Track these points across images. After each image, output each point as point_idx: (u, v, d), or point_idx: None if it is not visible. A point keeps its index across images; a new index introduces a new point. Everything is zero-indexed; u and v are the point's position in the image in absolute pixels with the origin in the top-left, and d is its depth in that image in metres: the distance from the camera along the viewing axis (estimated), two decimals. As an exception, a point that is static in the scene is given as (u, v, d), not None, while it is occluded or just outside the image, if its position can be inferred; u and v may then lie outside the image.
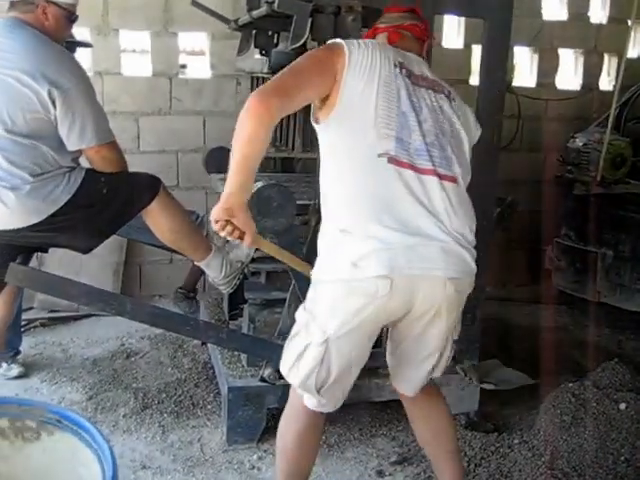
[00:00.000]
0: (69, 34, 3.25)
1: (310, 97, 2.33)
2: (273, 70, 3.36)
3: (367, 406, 3.65)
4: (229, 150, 4.21)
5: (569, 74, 6.16)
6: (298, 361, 2.40)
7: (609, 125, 4.87)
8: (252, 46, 4.13)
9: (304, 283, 3.14)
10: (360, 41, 2.39)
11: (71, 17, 3.13)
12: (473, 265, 2.35)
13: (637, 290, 4.69)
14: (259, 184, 3.01)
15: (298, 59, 2.34)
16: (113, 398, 3.74)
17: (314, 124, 2.40)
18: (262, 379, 3.31)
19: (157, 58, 4.91)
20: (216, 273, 3.46)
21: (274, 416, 3.47)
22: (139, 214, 3.22)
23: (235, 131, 2.21)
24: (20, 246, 3.11)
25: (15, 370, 3.94)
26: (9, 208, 2.91)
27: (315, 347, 2.33)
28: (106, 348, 4.41)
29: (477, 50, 5.84)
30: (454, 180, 2.37)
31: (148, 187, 3.21)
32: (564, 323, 5.06)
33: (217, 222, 2.22)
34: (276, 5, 3.00)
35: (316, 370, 2.35)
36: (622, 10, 6.07)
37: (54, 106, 2.88)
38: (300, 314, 2.44)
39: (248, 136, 2.20)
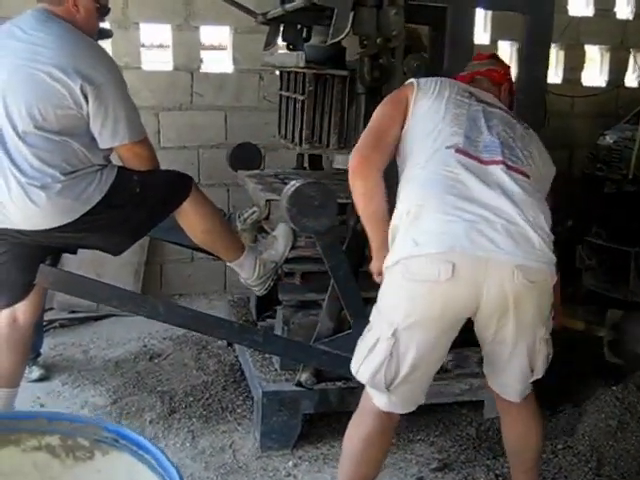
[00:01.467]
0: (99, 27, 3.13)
1: (398, 132, 2.47)
2: (309, 64, 3.24)
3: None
4: (255, 146, 4.27)
5: (595, 70, 6.06)
6: (368, 356, 2.33)
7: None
8: (279, 40, 4.04)
9: (344, 284, 3.06)
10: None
11: (102, 10, 3.02)
12: (550, 255, 2.23)
13: (670, 290, 4.58)
14: (298, 182, 2.91)
15: (377, 109, 2.55)
16: (138, 402, 3.61)
17: None
18: (299, 383, 3.22)
19: (178, 52, 4.79)
20: (249, 274, 3.35)
21: (309, 422, 3.38)
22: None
23: (352, 193, 2.43)
24: (49, 247, 2.99)
25: (36, 373, 3.82)
26: (40, 208, 2.79)
27: (384, 341, 2.26)
28: (128, 349, 4.29)
29: (504, 46, 5.77)
30: (524, 174, 2.31)
31: (181, 186, 3.10)
32: (590, 321, 4.92)
33: (380, 274, 2.40)
34: (317, -2, 2.89)
35: (385, 364, 2.27)
36: None
37: (86, 102, 2.77)
38: (373, 311, 2.39)
39: (364, 195, 2.41)
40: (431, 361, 2.35)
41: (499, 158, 2.30)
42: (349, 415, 2.58)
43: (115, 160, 2.99)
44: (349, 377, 3.21)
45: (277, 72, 3.90)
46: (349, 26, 2.91)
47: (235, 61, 4.93)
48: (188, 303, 5.02)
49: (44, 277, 2.86)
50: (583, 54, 5.83)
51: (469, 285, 2.18)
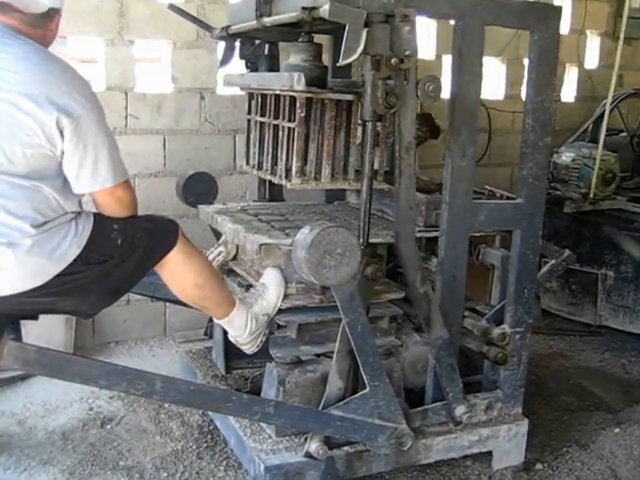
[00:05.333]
0: None
1: None
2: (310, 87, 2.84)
3: (406, 469, 3.19)
4: (209, 175, 3.81)
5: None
6: None
7: (600, 140, 4.65)
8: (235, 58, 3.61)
9: (362, 340, 2.69)
10: None
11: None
12: None
13: (642, 311, 4.44)
14: (316, 228, 2.49)
15: None
16: (104, 484, 3.10)
17: None
18: (308, 455, 2.80)
19: (111, 69, 4.23)
20: (240, 331, 2.92)
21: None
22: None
23: None
24: (7, 315, 2.46)
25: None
26: (5, 270, 2.28)
27: None
28: (72, 415, 3.68)
29: (448, 60, 5.51)
30: None
31: (166, 233, 2.63)
32: (560, 348, 4.76)
33: None
34: (327, 12, 2.47)
35: None
36: (580, 21, 6.07)
37: (62, 138, 2.27)
38: None
39: None
40: None
41: None
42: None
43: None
44: (360, 442, 2.89)
45: (244, 93, 3.45)
46: (362, 45, 2.52)
47: (174, 80, 4.42)
48: (126, 351, 4.52)
49: (12, 356, 2.32)
50: (522, 69, 5.66)
51: None
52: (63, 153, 2.31)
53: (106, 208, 2.47)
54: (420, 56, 4.90)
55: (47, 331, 4.01)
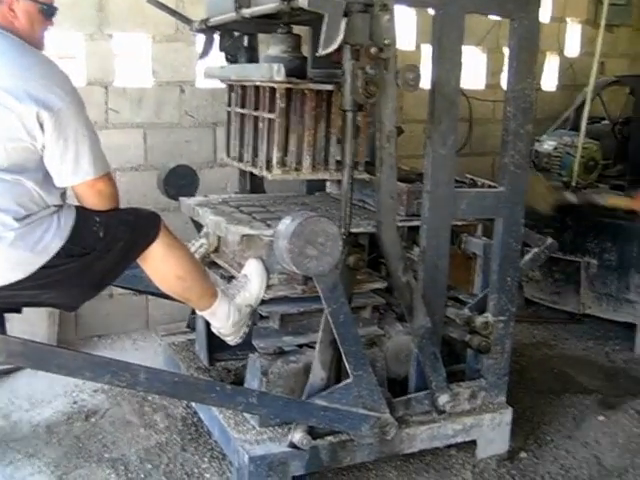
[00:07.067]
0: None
1: None
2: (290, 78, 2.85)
3: (390, 458, 3.20)
4: (190, 168, 3.80)
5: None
6: None
7: (582, 128, 4.66)
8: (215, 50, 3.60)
9: (345, 329, 2.69)
10: None
11: (48, 10, 2.50)
12: None
13: (625, 300, 4.46)
14: (297, 218, 2.49)
15: None
16: (89, 477, 3.09)
17: None
18: (292, 445, 2.80)
19: (91, 64, 4.20)
20: (222, 322, 2.92)
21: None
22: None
23: None
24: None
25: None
26: (-12, 263, 2.27)
27: None
28: (57, 408, 3.67)
29: (428, 50, 5.52)
30: None
31: (148, 225, 2.62)
32: (543, 337, 4.79)
33: None
34: (305, 2, 2.48)
35: None
36: (560, 9, 6.10)
37: (42, 132, 2.26)
38: None
39: None
40: None
41: None
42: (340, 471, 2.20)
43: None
44: (343, 431, 2.89)
45: (224, 86, 3.44)
46: (341, 35, 2.52)
47: (154, 73, 4.40)
48: (109, 345, 4.51)
49: (-5, 349, 2.31)
50: (502, 58, 5.67)
51: None
52: (44, 147, 2.31)
53: (88, 201, 2.46)
54: (400, 46, 4.97)
55: (31, 326, 3.98)
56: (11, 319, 3.60)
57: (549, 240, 3.48)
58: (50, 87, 2.27)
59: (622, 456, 3.30)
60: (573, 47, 6.37)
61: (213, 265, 3.40)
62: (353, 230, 2.80)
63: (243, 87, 3.24)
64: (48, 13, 2.51)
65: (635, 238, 4.43)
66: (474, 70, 5.74)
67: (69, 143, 2.31)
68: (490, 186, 3.40)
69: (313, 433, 2.83)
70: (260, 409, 2.72)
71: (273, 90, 2.94)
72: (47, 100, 2.25)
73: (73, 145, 2.32)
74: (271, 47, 3.18)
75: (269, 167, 3.03)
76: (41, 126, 2.26)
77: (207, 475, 3.14)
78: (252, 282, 2.95)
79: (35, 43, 2.44)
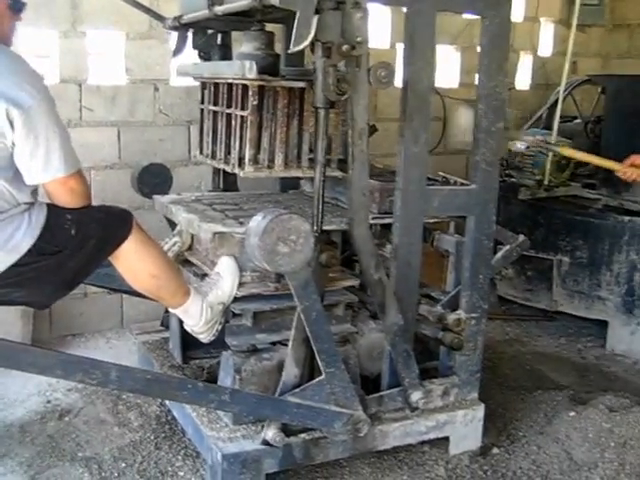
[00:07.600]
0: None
1: None
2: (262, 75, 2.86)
3: (363, 455, 3.22)
4: (164, 166, 3.80)
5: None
6: None
7: (555, 127, 4.71)
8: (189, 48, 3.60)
9: (318, 326, 2.70)
10: None
11: (15, 5, 2.48)
12: None
13: (597, 297, 4.50)
14: (268, 215, 2.50)
15: None
16: (62, 476, 3.07)
17: None
18: (265, 442, 2.80)
19: (64, 62, 4.19)
20: (195, 320, 2.91)
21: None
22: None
23: None
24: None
25: None
26: (-42, 261, 2.26)
27: None
28: (30, 408, 3.65)
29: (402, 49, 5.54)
30: None
31: (120, 223, 2.62)
32: (516, 334, 4.83)
33: None
34: (277, 0, 2.49)
35: None
36: (533, 9, 6.15)
37: (12, 129, 2.26)
38: None
39: None
40: None
41: None
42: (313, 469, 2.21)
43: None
44: (317, 428, 2.90)
45: (197, 84, 3.44)
46: (313, 32, 2.53)
47: (128, 71, 4.39)
48: (83, 344, 4.50)
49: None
50: (476, 56, 5.68)
51: None
52: (14, 144, 2.30)
53: (59, 198, 2.45)
54: (375, 45, 4.99)
55: (4, 325, 3.98)
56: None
57: (521, 237, 3.51)
58: (21, 84, 2.27)
59: (592, 450, 3.31)
60: (546, 46, 6.42)
61: (186, 263, 3.39)
62: (325, 227, 2.81)
63: (216, 84, 3.24)
64: (16, 8, 2.49)
65: (606, 235, 4.48)
66: (448, 68, 5.76)
67: (40, 140, 2.30)
68: (462, 184, 3.42)
69: (286, 430, 2.83)
70: (233, 407, 2.72)
71: (246, 87, 2.95)
72: (17, 98, 2.24)
73: (44, 142, 2.31)
74: (244, 44, 3.18)
75: (242, 164, 3.04)
76: (11, 123, 2.25)
77: (181, 473, 3.14)
78: (225, 280, 2.95)
79: (3, 39, 2.43)
